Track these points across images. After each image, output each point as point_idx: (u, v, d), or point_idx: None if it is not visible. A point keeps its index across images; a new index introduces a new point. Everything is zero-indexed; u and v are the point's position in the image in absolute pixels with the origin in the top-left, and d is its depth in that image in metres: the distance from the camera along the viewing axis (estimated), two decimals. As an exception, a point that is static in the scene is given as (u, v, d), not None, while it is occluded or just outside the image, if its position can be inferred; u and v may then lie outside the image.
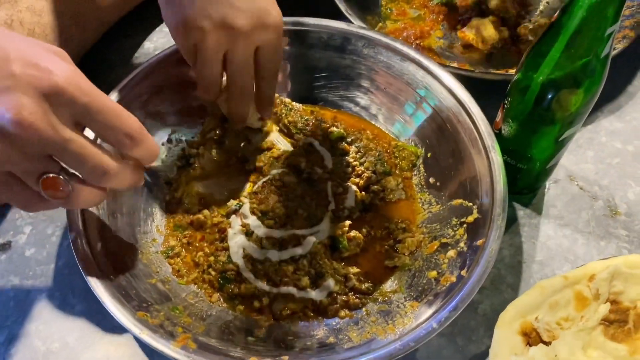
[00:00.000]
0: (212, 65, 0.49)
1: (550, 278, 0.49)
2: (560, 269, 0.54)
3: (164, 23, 0.71)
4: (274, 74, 0.52)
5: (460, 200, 0.51)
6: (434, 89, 0.55)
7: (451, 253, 0.49)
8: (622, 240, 0.55)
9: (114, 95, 0.53)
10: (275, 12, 0.49)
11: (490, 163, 0.49)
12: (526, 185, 0.57)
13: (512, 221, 0.56)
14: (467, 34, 0.68)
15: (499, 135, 0.54)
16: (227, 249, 0.51)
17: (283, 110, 0.60)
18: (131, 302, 0.44)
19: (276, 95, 0.57)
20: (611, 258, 0.50)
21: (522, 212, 0.57)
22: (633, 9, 0.66)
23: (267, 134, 0.59)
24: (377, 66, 0.58)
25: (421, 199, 0.56)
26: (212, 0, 0.46)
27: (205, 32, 0.47)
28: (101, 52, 0.67)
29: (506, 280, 0.53)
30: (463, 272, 0.46)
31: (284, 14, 0.50)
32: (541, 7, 0.73)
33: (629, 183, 0.59)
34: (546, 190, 0.58)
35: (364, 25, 0.63)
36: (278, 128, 0.60)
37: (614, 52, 0.61)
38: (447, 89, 0.54)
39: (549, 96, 0.47)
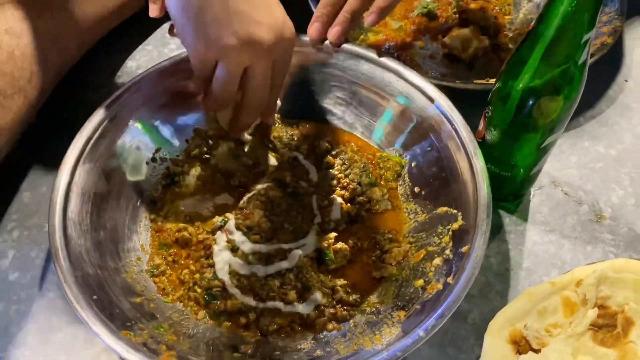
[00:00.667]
0: (232, 81, 0.49)
1: (538, 285, 0.50)
2: (547, 275, 0.54)
3: (146, 41, 0.72)
4: (281, 82, 0.53)
5: (445, 208, 0.51)
6: (415, 99, 0.55)
7: (437, 261, 0.49)
8: (608, 244, 0.55)
9: (100, 112, 0.53)
10: (289, 23, 0.49)
11: (474, 170, 0.49)
12: (511, 192, 0.57)
13: (498, 228, 0.56)
14: (448, 43, 0.69)
15: (482, 144, 0.54)
16: (212, 265, 0.51)
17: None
18: (114, 321, 0.44)
19: None
20: (597, 263, 0.51)
21: (508, 219, 0.57)
22: (610, 15, 0.67)
23: (254, 149, 0.59)
24: (358, 78, 0.59)
25: (407, 208, 0.56)
26: (235, 17, 0.46)
27: (230, 49, 0.47)
28: (82, 72, 0.66)
29: (495, 288, 0.53)
30: (449, 280, 0.46)
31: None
32: (521, 15, 0.74)
33: (613, 187, 0.59)
34: (531, 196, 0.59)
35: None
36: (266, 142, 0.60)
37: (593, 59, 0.62)
38: (428, 98, 0.54)
39: (530, 104, 0.48)
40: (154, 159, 0.57)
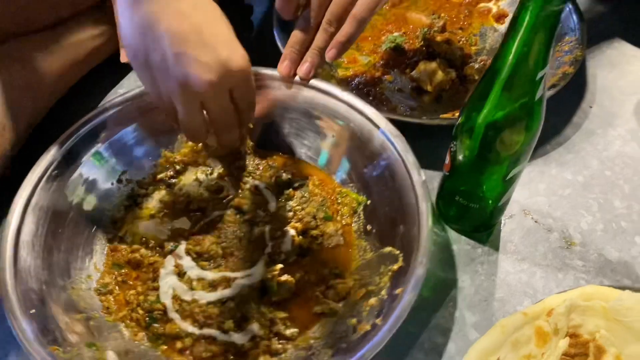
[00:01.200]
0: (191, 117, 0.50)
1: (511, 315, 0.50)
2: (520, 304, 0.54)
3: (120, 83, 0.73)
4: (250, 105, 0.54)
5: (390, 248, 0.52)
6: (375, 137, 0.56)
7: (373, 301, 0.49)
8: (578, 270, 0.56)
9: (54, 148, 0.55)
10: (237, 56, 0.49)
11: (419, 213, 0.50)
12: (481, 223, 0.58)
13: (471, 259, 0.57)
14: (416, 77, 0.70)
15: (449, 177, 0.55)
16: (157, 288, 0.52)
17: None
18: (48, 336, 0.45)
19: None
20: (569, 291, 0.51)
21: (480, 249, 0.58)
22: (572, 44, 0.68)
23: (219, 176, 0.61)
24: (323, 114, 0.60)
25: (359, 245, 0.56)
26: (175, 60, 0.47)
27: (174, 92, 0.48)
28: (55, 115, 0.67)
29: (469, 321, 0.53)
30: (378, 321, 0.46)
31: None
32: (487, 46, 0.76)
33: (582, 213, 0.60)
34: (502, 226, 0.59)
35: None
36: (231, 171, 0.62)
37: (556, 88, 0.63)
38: (387, 137, 0.55)
39: (492, 137, 0.49)
40: (119, 180, 0.59)
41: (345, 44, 0.58)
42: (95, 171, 0.57)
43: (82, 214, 0.56)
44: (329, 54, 0.59)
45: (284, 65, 0.60)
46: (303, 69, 0.59)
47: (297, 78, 0.60)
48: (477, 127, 0.49)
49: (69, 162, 0.56)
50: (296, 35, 0.59)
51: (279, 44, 0.67)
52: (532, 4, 0.40)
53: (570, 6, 0.71)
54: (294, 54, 0.59)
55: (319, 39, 0.59)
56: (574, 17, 0.70)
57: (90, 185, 0.57)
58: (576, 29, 0.69)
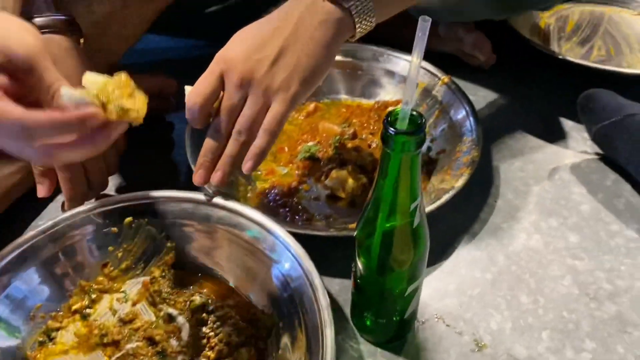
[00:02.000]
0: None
1: None
2: (435, 416, 0.55)
3: (39, 215, 0.73)
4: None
5: None
6: (285, 258, 0.58)
7: None
8: (490, 374, 0.58)
9: None
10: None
11: (323, 338, 0.50)
12: (392, 336, 0.59)
13: (387, 372, 0.58)
14: (329, 184, 0.74)
15: (355, 293, 0.57)
16: None
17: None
18: None
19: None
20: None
21: (395, 361, 0.59)
22: (469, 144, 0.73)
23: (134, 304, 0.62)
24: (232, 234, 0.61)
25: None
26: None
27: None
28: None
29: None
30: None
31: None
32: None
33: (491, 312, 0.62)
34: (416, 333, 0.61)
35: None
36: (146, 297, 0.62)
37: (458, 188, 0.67)
38: (295, 258, 0.57)
39: (384, 258, 0.51)
40: (32, 317, 0.59)
41: (259, 155, 0.60)
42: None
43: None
44: (246, 167, 0.60)
45: (198, 175, 0.61)
46: (216, 176, 0.60)
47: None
48: (370, 249, 0.51)
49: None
50: (208, 143, 0.60)
51: (190, 162, 0.70)
52: (392, 154, 0.43)
53: (467, 108, 0.77)
54: (207, 162, 0.61)
55: (230, 148, 0.60)
56: (471, 119, 0.75)
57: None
58: (473, 130, 0.74)
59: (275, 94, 0.58)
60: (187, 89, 0.60)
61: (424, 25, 0.41)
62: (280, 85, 0.58)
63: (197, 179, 0.61)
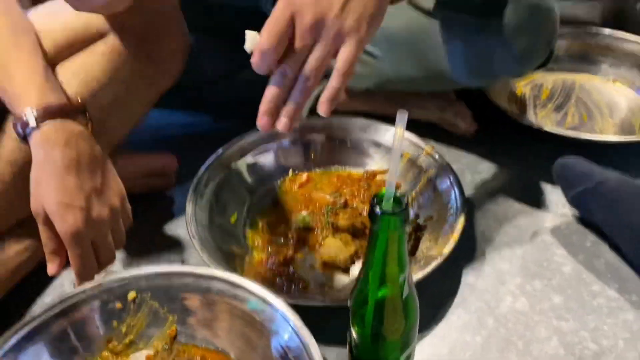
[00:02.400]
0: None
1: None
2: None
3: (45, 292, 0.76)
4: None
5: None
6: (283, 329, 0.60)
7: None
8: None
9: None
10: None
11: None
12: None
13: None
14: (323, 253, 0.77)
15: (352, 362, 0.60)
16: None
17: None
18: None
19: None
20: None
21: None
22: (453, 212, 0.77)
23: None
24: (232, 306, 0.64)
25: None
26: None
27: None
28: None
29: None
30: None
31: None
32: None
33: (482, 376, 0.65)
34: (412, 397, 0.63)
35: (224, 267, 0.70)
36: None
37: (445, 255, 0.70)
38: (293, 329, 0.59)
39: (377, 327, 0.54)
40: None
41: (336, 96, 0.59)
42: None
43: None
44: (323, 108, 0.59)
45: (264, 120, 0.60)
46: (282, 122, 0.60)
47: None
48: (363, 318, 0.54)
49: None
50: (273, 89, 0.59)
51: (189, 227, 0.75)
52: (380, 232, 0.47)
53: (452, 178, 0.81)
54: (272, 109, 0.60)
55: (296, 93, 0.59)
56: (455, 189, 0.80)
57: None
58: (457, 199, 0.79)
59: (346, 37, 0.58)
60: (249, 34, 0.58)
61: (402, 117, 0.47)
62: (351, 27, 0.57)
63: (263, 124, 0.59)
